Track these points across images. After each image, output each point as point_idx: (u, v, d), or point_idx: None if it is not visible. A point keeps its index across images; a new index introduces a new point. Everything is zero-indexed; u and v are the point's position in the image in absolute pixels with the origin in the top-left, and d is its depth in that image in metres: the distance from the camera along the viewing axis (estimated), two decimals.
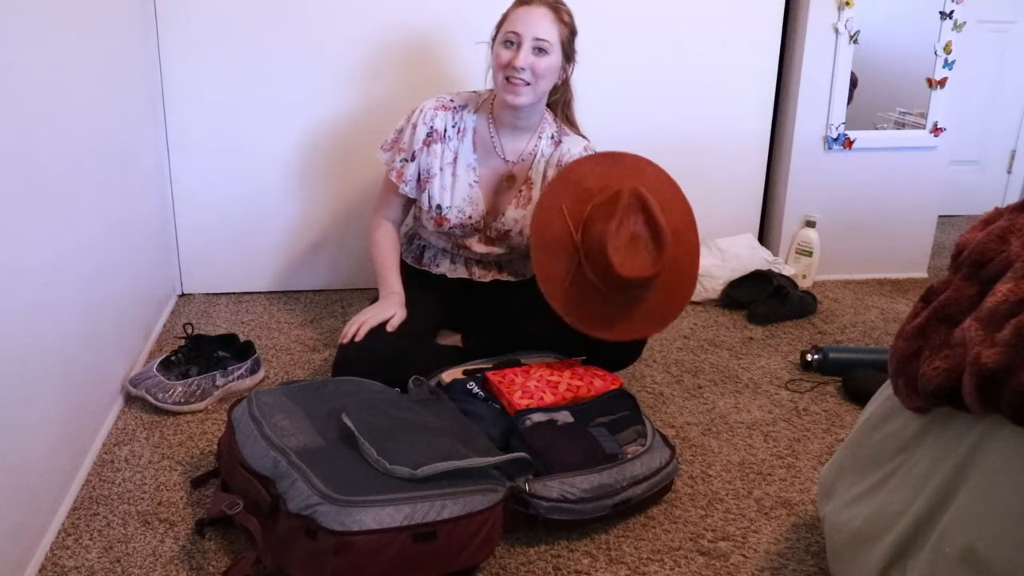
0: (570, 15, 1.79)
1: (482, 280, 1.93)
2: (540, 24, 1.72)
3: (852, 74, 2.54)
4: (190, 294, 2.43)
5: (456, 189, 1.84)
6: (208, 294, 2.43)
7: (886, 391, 1.20)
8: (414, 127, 1.84)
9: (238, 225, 2.39)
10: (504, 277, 1.94)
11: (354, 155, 2.37)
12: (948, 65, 2.57)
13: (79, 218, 1.57)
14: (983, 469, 0.97)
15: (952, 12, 2.51)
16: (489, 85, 1.87)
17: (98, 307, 1.66)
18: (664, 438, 1.57)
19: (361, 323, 1.72)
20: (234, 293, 2.45)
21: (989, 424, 0.97)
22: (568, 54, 1.80)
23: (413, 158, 1.84)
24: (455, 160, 1.85)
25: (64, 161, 1.49)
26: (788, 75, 2.59)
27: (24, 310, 1.28)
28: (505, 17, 1.78)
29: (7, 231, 1.24)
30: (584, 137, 1.92)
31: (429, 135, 1.83)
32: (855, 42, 2.50)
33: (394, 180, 1.85)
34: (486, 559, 1.31)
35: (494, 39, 1.80)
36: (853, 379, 1.93)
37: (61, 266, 1.46)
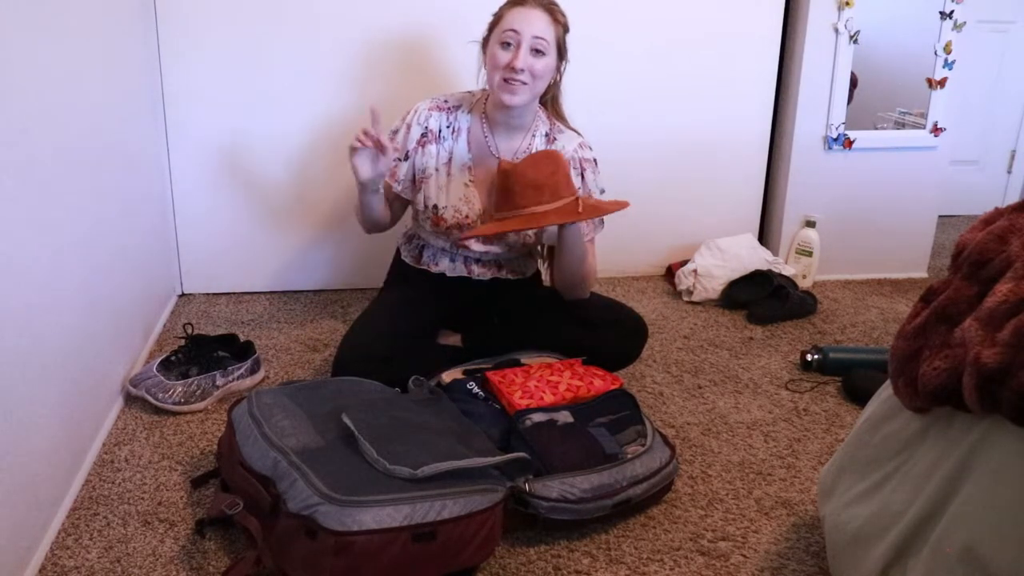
0: (563, 15, 1.79)
1: (481, 278, 1.93)
2: (537, 24, 1.72)
3: (852, 74, 2.54)
4: (190, 294, 2.43)
5: (451, 189, 1.84)
6: (208, 294, 2.43)
7: (886, 391, 1.20)
8: (408, 127, 1.84)
9: (238, 225, 2.39)
10: (503, 275, 1.94)
11: None
12: (948, 65, 2.56)
13: (79, 218, 1.57)
14: (983, 469, 0.97)
15: (952, 12, 2.51)
16: (482, 85, 1.87)
17: (98, 307, 1.66)
18: (664, 438, 1.57)
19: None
20: (234, 293, 2.45)
21: (989, 424, 0.97)
22: (562, 53, 1.81)
23: (407, 157, 1.84)
24: (450, 160, 1.85)
25: (64, 161, 1.49)
26: (788, 75, 2.59)
27: (24, 310, 1.28)
28: (499, 17, 1.77)
29: (7, 231, 1.24)
30: (577, 132, 1.92)
31: (424, 135, 1.84)
32: (855, 42, 2.50)
33: (387, 179, 1.85)
34: (486, 559, 1.31)
35: (486, 39, 1.81)
36: (853, 379, 1.93)
37: (61, 266, 1.46)
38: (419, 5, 2.29)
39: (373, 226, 1.90)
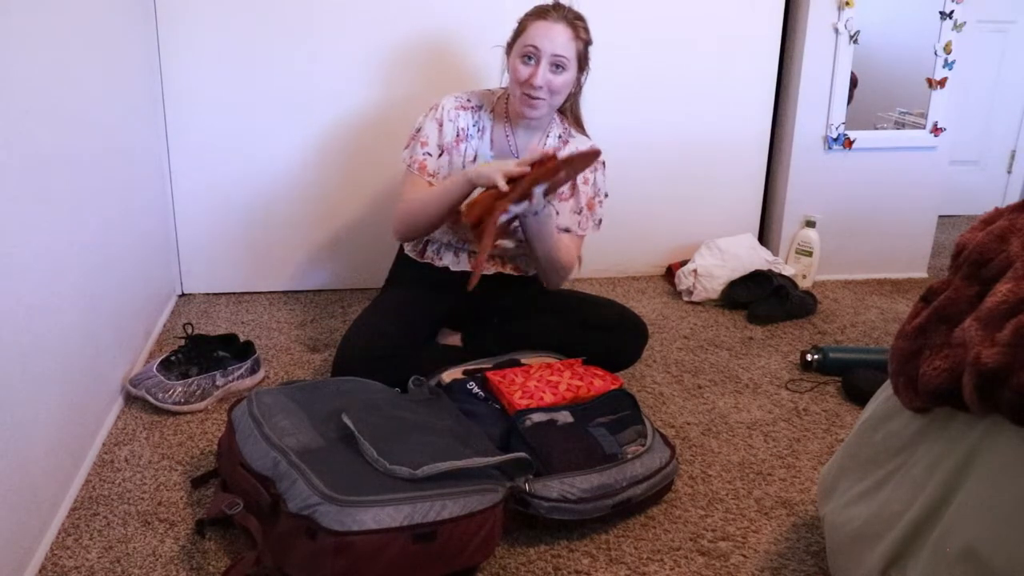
0: (586, 29, 1.80)
1: (485, 273, 1.93)
2: (558, 41, 1.72)
3: (852, 74, 2.54)
4: (190, 294, 2.43)
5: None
6: (208, 294, 2.43)
7: (886, 391, 1.20)
8: (439, 123, 1.83)
9: (238, 225, 2.39)
10: (507, 271, 1.95)
11: (355, 155, 2.37)
12: (948, 65, 2.56)
13: (79, 218, 1.57)
14: (983, 469, 0.97)
15: (952, 12, 2.51)
16: (504, 84, 1.88)
17: (98, 307, 1.66)
18: (664, 438, 1.57)
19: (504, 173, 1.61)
20: (234, 293, 2.45)
21: (989, 424, 0.97)
22: (582, 65, 1.82)
23: (442, 154, 1.84)
24: (475, 158, 1.86)
25: (64, 161, 1.49)
26: (788, 75, 2.59)
27: (24, 310, 1.28)
28: (523, 28, 1.77)
29: (7, 231, 1.24)
30: (588, 137, 1.93)
31: (458, 135, 1.84)
32: (855, 42, 2.50)
33: (416, 172, 1.84)
34: (486, 559, 1.31)
35: (510, 45, 1.81)
36: (853, 379, 1.93)
37: (61, 266, 1.46)
38: (423, 3, 2.28)
39: (422, 235, 1.85)
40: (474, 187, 1.69)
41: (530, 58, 1.73)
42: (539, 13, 1.76)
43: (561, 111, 1.91)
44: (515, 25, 1.81)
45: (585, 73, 1.85)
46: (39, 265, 1.36)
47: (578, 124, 1.94)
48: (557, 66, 1.74)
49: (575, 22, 1.77)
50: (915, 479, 1.07)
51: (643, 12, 2.44)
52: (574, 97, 1.90)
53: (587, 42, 1.80)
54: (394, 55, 2.32)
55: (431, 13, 2.30)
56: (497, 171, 1.61)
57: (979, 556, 0.94)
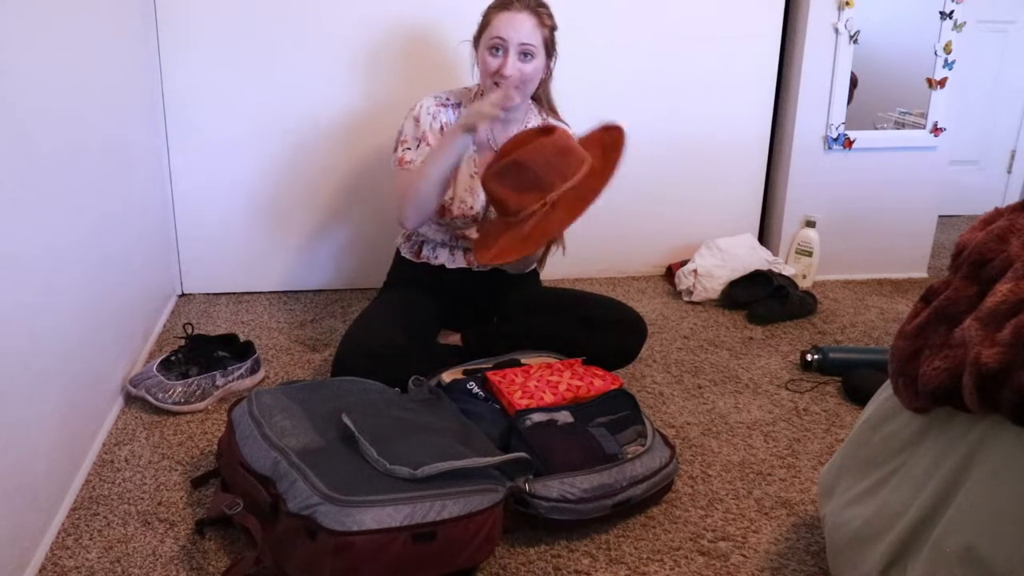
0: (550, 16, 1.81)
1: (481, 269, 1.94)
2: (523, 30, 1.74)
3: (852, 74, 2.54)
4: (190, 294, 2.43)
5: (459, 180, 1.85)
6: (208, 294, 2.43)
7: (886, 391, 1.20)
8: (416, 119, 1.84)
9: (238, 225, 2.39)
10: (503, 267, 1.95)
11: (355, 155, 2.37)
12: (948, 65, 2.56)
13: (79, 218, 1.57)
14: (983, 469, 0.97)
15: (952, 12, 2.51)
16: (477, 80, 1.89)
17: (98, 307, 1.66)
18: (664, 438, 1.57)
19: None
20: (234, 293, 2.45)
21: (989, 424, 0.97)
22: (550, 51, 1.83)
23: (420, 144, 1.84)
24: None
25: (64, 161, 1.49)
26: (788, 75, 2.59)
27: (24, 310, 1.28)
28: (488, 21, 1.79)
29: (7, 231, 1.24)
30: (565, 124, 1.93)
31: (441, 129, 1.84)
32: (855, 42, 2.50)
33: (400, 167, 1.84)
34: (486, 559, 1.31)
35: (477, 39, 1.83)
36: (853, 379, 1.93)
37: (61, 266, 1.46)
38: (423, 2, 2.28)
39: (431, 207, 1.80)
40: (471, 134, 1.70)
41: (497, 49, 1.75)
42: (502, 4, 1.78)
43: (536, 99, 1.92)
44: (479, 19, 1.82)
45: (553, 59, 1.86)
46: (39, 265, 1.36)
47: (552, 110, 1.95)
48: (525, 54, 1.75)
49: (538, 9, 1.78)
50: (915, 479, 1.07)
51: (643, 12, 2.43)
52: (545, 83, 1.91)
53: (552, 28, 1.81)
54: (397, 56, 2.32)
55: (437, 13, 2.30)
56: (484, 104, 1.65)
57: (979, 556, 0.94)
